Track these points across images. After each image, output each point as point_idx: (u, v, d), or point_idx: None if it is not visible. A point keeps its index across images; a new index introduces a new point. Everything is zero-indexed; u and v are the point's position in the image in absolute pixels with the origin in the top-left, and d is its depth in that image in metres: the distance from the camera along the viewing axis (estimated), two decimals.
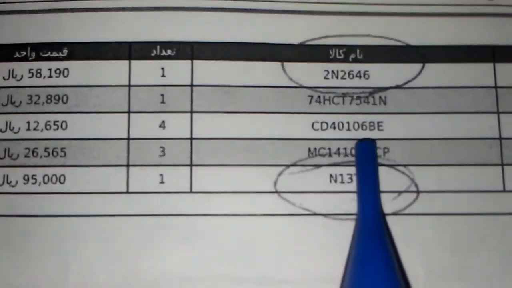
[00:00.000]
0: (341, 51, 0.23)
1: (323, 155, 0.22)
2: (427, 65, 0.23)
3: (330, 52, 0.23)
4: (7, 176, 0.22)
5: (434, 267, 0.21)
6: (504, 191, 0.22)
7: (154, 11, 0.23)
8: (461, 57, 0.23)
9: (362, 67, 0.23)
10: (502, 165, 0.22)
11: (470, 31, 0.23)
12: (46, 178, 0.22)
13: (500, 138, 0.22)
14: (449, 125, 0.22)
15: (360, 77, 0.23)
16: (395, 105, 0.23)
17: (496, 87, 0.23)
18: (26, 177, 0.22)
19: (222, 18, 0.23)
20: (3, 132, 0.22)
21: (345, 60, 0.23)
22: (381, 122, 0.23)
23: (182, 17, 0.23)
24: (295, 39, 0.23)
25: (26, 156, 0.22)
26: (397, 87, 0.23)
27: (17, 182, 0.22)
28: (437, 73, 0.23)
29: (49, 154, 0.22)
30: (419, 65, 0.23)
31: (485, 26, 0.23)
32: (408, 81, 0.23)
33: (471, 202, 0.22)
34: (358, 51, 0.23)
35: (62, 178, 0.22)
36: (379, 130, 0.23)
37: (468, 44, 0.23)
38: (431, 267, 0.21)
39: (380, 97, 0.23)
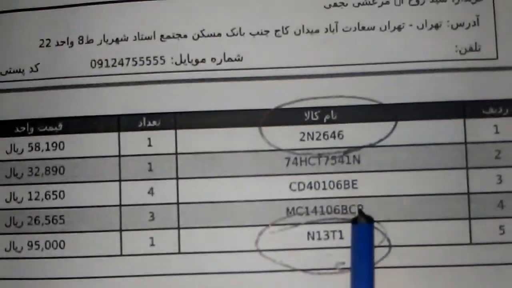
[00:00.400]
0: (315, 113, 0.25)
1: (300, 214, 0.25)
2: (399, 123, 0.25)
3: (305, 114, 0.25)
4: (13, 242, 0.25)
5: None
6: (471, 243, 0.24)
7: (139, 85, 0.26)
8: (432, 114, 0.25)
9: (336, 127, 0.25)
10: (470, 219, 0.24)
11: (441, 87, 0.26)
12: (47, 243, 0.25)
13: (468, 193, 0.24)
14: (419, 182, 0.25)
15: (334, 137, 0.25)
16: (369, 163, 0.25)
17: (465, 142, 0.25)
18: (29, 243, 0.25)
19: (202, 88, 0.26)
20: (8, 202, 0.25)
21: (320, 121, 0.25)
22: (356, 180, 0.25)
23: (165, 90, 0.26)
24: (271, 104, 0.25)
25: (29, 224, 0.25)
26: (370, 145, 0.25)
27: (22, 247, 0.25)
28: (409, 130, 0.25)
29: (49, 221, 0.25)
30: (392, 123, 0.25)
31: (456, 81, 0.25)
32: (381, 139, 0.25)
33: (440, 255, 0.24)
34: (332, 112, 0.25)
35: (62, 243, 0.25)
36: (353, 188, 0.25)
37: (439, 101, 0.25)
38: None
39: (354, 156, 0.25)
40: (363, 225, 0.24)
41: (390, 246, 0.25)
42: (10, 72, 0.27)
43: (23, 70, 0.27)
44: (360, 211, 0.25)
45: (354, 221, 0.24)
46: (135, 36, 0.26)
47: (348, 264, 0.25)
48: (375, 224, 0.25)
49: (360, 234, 0.24)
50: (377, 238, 0.25)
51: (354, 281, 0.24)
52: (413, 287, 0.25)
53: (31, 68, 0.27)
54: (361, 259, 0.24)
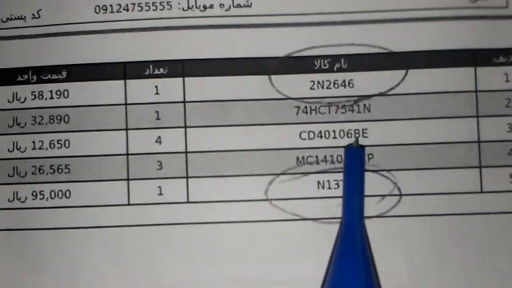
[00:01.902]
0: (326, 61, 0.28)
1: (310, 163, 0.27)
2: (410, 71, 0.27)
3: (315, 62, 0.28)
4: (17, 192, 0.27)
5: (416, 265, 0.26)
6: (482, 192, 0.26)
7: (145, 32, 0.27)
8: (443, 62, 0.27)
9: (346, 76, 0.28)
10: (480, 167, 0.27)
11: (452, 35, 0.28)
12: (52, 193, 0.27)
13: (479, 141, 0.27)
14: (430, 130, 0.27)
15: (345, 86, 0.27)
16: (379, 112, 0.27)
17: (476, 91, 0.27)
18: (34, 193, 0.27)
19: (210, 35, 0.28)
20: (11, 151, 0.27)
21: (330, 70, 0.28)
22: (366, 129, 0.27)
23: (172, 36, 0.28)
24: (281, 52, 0.27)
25: (33, 173, 0.27)
26: (381, 94, 0.27)
27: (26, 198, 0.27)
28: (419, 79, 0.27)
29: (54, 171, 0.27)
30: (402, 72, 0.27)
31: (466, 29, 0.28)
32: (392, 88, 0.27)
33: (451, 203, 0.26)
34: (342, 60, 0.28)
35: (67, 193, 0.27)
36: (363, 137, 0.27)
37: (450, 49, 0.27)
38: (414, 266, 0.26)
39: (364, 105, 0.27)
40: (354, 148, 0.27)
41: (400, 195, 0.27)
42: (11, 19, 0.29)
43: (25, 17, 0.29)
44: (357, 139, 0.27)
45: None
46: None
47: None
48: (386, 173, 0.28)
49: (352, 156, 0.27)
50: (388, 187, 0.28)
51: (345, 197, 0.26)
52: (423, 236, 0.27)
53: (33, 14, 0.29)
54: (351, 178, 0.26)
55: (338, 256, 0.25)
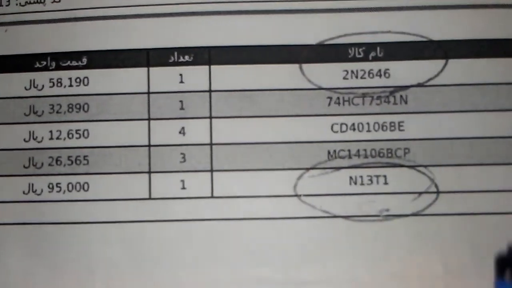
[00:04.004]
0: (360, 49, 0.30)
1: (342, 157, 0.29)
2: (450, 61, 0.30)
3: (349, 51, 0.30)
4: (32, 184, 0.30)
5: (453, 266, 0.28)
6: None
7: (170, 17, 0.30)
8: (485, 52, 0.29)
9: (382, 65, 0.30)
10: None
11: (495, 24, 0.30)
12: (70, 186, 0.29)
13: None
14: (470, 124, 0.29)
15: (380, 76, 0.30)
16: (417, 104, 0.29)
17: None
18: (50, 186, 0.30)
19: (238, 21, 0.30)
20: (27, 141, 0.30)
21: (365, 59, 0.30)
22: (402, 122, 0.29)
23: (199, 22, 0.30)
24: (313, 39, 0.30)
25: (50, 165, 0.30)
26: (419, 85, 0.29)
27: (42, 190, 0.30)
28: (460, 69, 0.29)
29: (72, 162, 0.29)
30: (442, 62, 0.29)
31: (509, 18, 0.29)
32: (430, 79, 0.29)
33: (491, 202, 0.28)
34: (378, 48, 0.30)
35: (86, 185, 0.29)
36: (400, 130, 0.29)
37: (493, 38, 0.29)
38: (450, 267, 0.28)
39: (401, 96, 0.29)
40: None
41: (438, 192, 0.29)
42: (29, 3, 0.31)
43: (44, 1, 0.31)
44: None
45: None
46: None
47: (393, 211, 0.30)
48: (423, 169, 0.30)
49: None
50: (424, 184, 0.30)
51: None
52: (461, 236, 0.29)
53: None
54: None
55: None
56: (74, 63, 0.30)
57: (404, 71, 0.30)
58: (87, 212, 0.29)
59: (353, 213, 0.29)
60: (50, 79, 0.30)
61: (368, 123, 0.29)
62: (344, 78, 0.30)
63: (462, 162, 0.29)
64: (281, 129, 0.29)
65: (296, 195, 0.29)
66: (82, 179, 0.30)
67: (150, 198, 0.29)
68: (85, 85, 0.30)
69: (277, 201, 0.29)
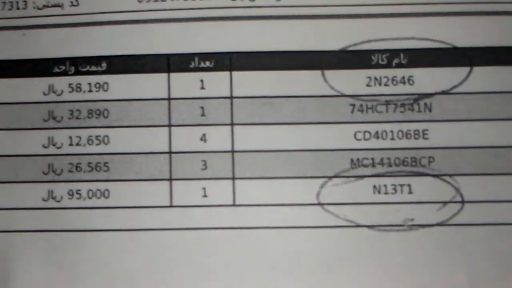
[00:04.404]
0: (384, 56, 0.30)
1: (366, 166, 0.29)
2: (475, 68, 0.30)
3: (373, 57, 0.30)
4: (52, 191, 0.30)
5: (478, 277, 0.28)
6: None
7: (191, 22, 0.30)
8: (510, 59, 0.30)
9: (406, 72, 0.30)
10: None
11: None
12: (90, 193, 0.30)
13: None
14: (496, 133, 0.29)
15: (404, 83, 0.30)
16: (441, 112, 0.30)
17: None
18: (70, 192, 0.30)
19: (260, 27, 0.30)
20: (46, 147, 0.30)
21: (388, 65, 0.30)
22: (426, 130, 0.30)
23: (220, 28, 0.30)
24: (335, 45, 0.30)
25: (69, 171, 0.30)
26: (443, 92, 0.30)
27: (61, 197, 0.30)
28: (485, 77, 0.30)
29: (92, 169, 0.30)
30: (466, 69, 0.30)
31: None
32: (455, 86, 0.30)
33: None
34: (402, 55, 0.30)
35: (106, 192, 0.30)
36: (424, 138, 0.30)
37: None
38: (476, 278, 0.28)
39: (425, 104, 0.30)
40: None
41: (463, 202, 0.30)
42: (47, 6, 0.31)
43: (62, 4, 0.31)
44: None
45: None
46: None
47: (417, 220, 0.30)
48: (448, 178, 0.30)
49: None
50: (449, 194, 0.30)
51: None
52: (486, 246, 0.29)
53: (71, 2, 0.31)
54: None
55: None
56: (94, 68, 0.30)
57: (428, 78, 0.30)
58: (108, 219, 0.30)
59: (377, 223, 0.29)
60: (69, 84, 0.31)
61: (392, 131, 0.30)
62: (368, 85, 0.30)
63: (487, 171, 0.29)
64: (303, 137, 0.30)
65: (319, 204, 0.29)
66: (102, 186, 0.30)
67: (171, 206, 0.30)
68: (104, 91, 0.30)
69: (300, 209, 0.29)
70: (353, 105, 0.30)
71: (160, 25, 0.30)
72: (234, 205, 0.30)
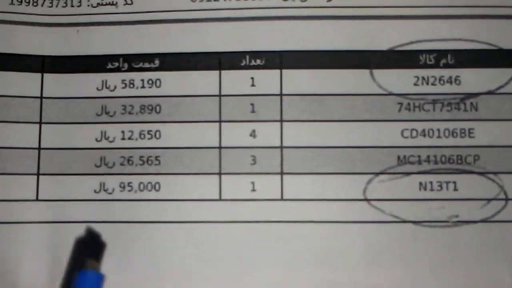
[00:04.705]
0: (431, 56, 0.34)
1: (412, 163, 0.34)
2: None
3: (421, 57, 0.34)
4: (104, 183, 0.34)
5: None
6: None
7: (242, 21, 0.34)
8: None
9: (453, 72, 0.34)
10: None
11: None
12: (141, 185, 0.34)
13: None
14: None
15: (451, 82, 0.34)
16: (487, 111, 0.34)
17: None
18: (122, 185, 0.34)
19: (310, 26, 0.35)
20: (99, 141, 0.35)
21: (435, 65, 0.34)
22: (472, 129, 0.34)
23: (270, 27, 0.35)
24: (384, 45, 0.34)
25: (121, 164, 0.34)
26: (489, 92, 0.34)
27: (113, 189, 0.34)
28: None
29: (144, 162, 0.34)
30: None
31: None
32: (500, 87, 0.34)
33: None
34: (449, 56, 0.34)
35: (157, 185, 0.34)
36: (470, 137, 0.34)
37: None
38: None
39: (471, 103, 0.34)
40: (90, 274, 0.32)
41: (506, 199, 0.34)
42: (101, 4, 0.36)
43: (116, 3, 0.36)
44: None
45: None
46: None
47: (462, 217, 0.34)
48: (492, 176, 0.34)
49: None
50: (493, 191, 0.34)
51: None
52: None
53: (125, 0, 0.36)
54: None
55: None
56: (147, 65, 0.35)
57: (474, 79, 0.34)
58: (158, 211, 0.34)
59: (422, 219, 0.33)
60: (123, 80, 0.35)
61: (438, 129, 0.34)
62: (415, 84, 0.34)
63: None
64: (351, 134, 0.34)
65: (365, 199, 0.33)
66: (153, 179, 0.34)
67: (220, 200, 0.34)
68: (157, 87, 0.35)
69: (346, 204, 0.34)
70: (401, 104, 0.34)
71: (213, 24, 0.35)
72: (282, 199, 0.34)
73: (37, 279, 0.34)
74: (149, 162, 0.35)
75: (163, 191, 0.35)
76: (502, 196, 0.34)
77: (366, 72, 0.35)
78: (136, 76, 0.36)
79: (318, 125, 0.35)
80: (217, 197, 0.35)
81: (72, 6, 0.37)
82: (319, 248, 0.34)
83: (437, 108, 0.35)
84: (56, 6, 0.36)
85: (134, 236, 0.34)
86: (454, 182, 0.34)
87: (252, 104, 0.35)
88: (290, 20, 0.35)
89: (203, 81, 0.35)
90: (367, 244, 0.34)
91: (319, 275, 0.34)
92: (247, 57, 0.35)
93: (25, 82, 0.36)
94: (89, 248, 0.34)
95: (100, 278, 0.33)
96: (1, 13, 0.36)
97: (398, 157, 0.35)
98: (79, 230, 0.35)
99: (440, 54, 0.35)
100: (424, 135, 0.35)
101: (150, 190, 0.35)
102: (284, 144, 0.35)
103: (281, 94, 0.35)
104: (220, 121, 0.35)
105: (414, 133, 0.35)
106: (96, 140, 0.35)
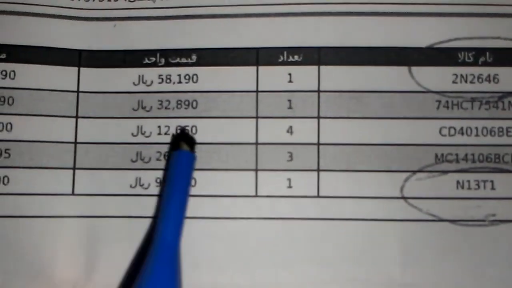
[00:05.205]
0: (470, 54, 0.34)
1: (450, 161, 0.34)
2: None
3: (459, 55, 0.34)
4: (140, 178, 0.35)
5: None
6: None
7: (280, 17, 0.35)
8: None
9: (492, 70, 0.34)
10: None
11: None
12: None
13: None
14: None
15: (489, 81, 0.34)
16: None
17: None
18: (157, 180, 0.35)
19: (348, 23, 0.35)
20: (135, 136, 0.35)
21: (474, 63, 0.34)
22: (510, 127, 0.34)
23: (309, 23, 0.35)
24: (423, 42, 0.34)
25: (157, 159, 0.35)
26: None
27: (149, 184, 0.35)
28: None
29: (196, 158, 0.34)
30: None
31: None
32: None
33: None
34: (487, 54, 0.34)
35: (193, 181, 0.34)
36: (508, 136, 0.34)
37: None
38: None
39: (509, 102, 0.34)
40: (184, 153, 0.33)
41: None
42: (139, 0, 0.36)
43: None
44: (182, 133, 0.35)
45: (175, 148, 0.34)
46: None
47: (499, 216, 0.34)
48: None
49: (182, 163, 0.33)
50: None
51: (169, 210, 0.32)
52: None
53: None
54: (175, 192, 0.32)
55: (151, 276, 0.31)
56: (184, 60, 0.35)
57: None
58: (194, 207, 0.35)
59: (459, 217, 0.34)
60: (159, 75, 0.35)
61: (476, 128, 0.34)
62: (454, 82, 0.34)
63: None
64: (389, 131, 0.34)
65: (402, 197, 0.34)
66: None
67: (256, 196, 0.34)
68: (194, 82, 0.35)
69: (383, 202, 0.34)
70: (439, 101, 0.34)
71: (250, 20, 0.35)
72: (318, 196, 0.34)
73: (71, 273, 0.35)
74: None
75: (199, 186, 0.35)
76: None
77: (404, 69, 0.35)
78: (173, 71, 0.36)
79: (355, 122, 0.35)
80: (253, 194, 0.35)
81: (109, 0, 0.37)
82: (355, 246, 0.34)
83: (475, 106, 0.35)
84: (94, 0, 0.37)
85: None
86: (492, 181, 0.34)
87: (289, 100, 0.35)
88: (328, 16, 0.36)
89: (240, 76, 0.36)
90: (403, 243, 0.34)
91: (354, 273, 0.34)
92: (285, 53, 0.36)
93: (62, 76, 0.36)
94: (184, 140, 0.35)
95: (193, 157, 0.34)
96: (38, 6, 0.36)
97: (436, 155, 0.35)
98: (115, 225, 0.35)
99: (479, 52, 0.35)
100: (462, 133, 0.35)
101: None
102: (321, 141, 0.35)
103: (318, 91, 0.35)
104: (257, 117, 0.35)
105: (452, 131, 0.35)
106: (132, 135, 0.36)
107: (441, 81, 0.35)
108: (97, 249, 0.35)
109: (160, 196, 0.35)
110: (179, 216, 0.33)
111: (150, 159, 0.36)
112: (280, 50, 0.36)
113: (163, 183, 0.35)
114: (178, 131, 0.35)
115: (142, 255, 0.34)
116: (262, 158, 0.35)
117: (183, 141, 0.34)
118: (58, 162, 0.35)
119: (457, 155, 0.35)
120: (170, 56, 0.36)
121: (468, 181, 0.35)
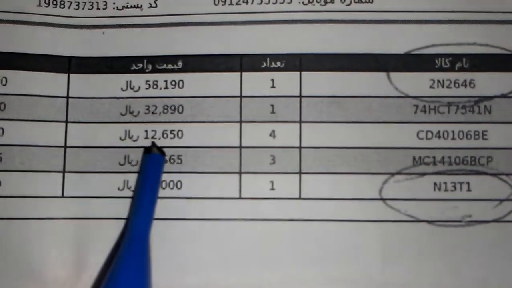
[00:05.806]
0: (447, 60, 0.36)
1: (427, 164, 0.35)
2: None
3: (436, 61, 0.36)
4: (127, 181, 0.36)
5: None
6: None
7: (263, 25, 0.36)
8: None
9: (468, 76, 0.36)
10: None
11: None
12: (163, 183, 0.36)
13: None
14: None
15: (465, 86, 0.36)
16: (500, 114, 0.35)
17: None
18: None
19: (329, 30, 0.36)
20: (123, 140, 0.36)
21: (451, 69, 0.36)
22: (486, 131, 0.35)
23: (291, 30, 0.36)
24: (401, 49, 0.36)
25: None
26: (503, 96, 0.35)
27: None
28: None
29: (166, 161, 0.36)
30: None
31: None
32: None
33: None
34: (464, 60, 0.36)
35: (179, 183, 0.36)
36: (483, 139, 0.35)
37: None
38: None
39: (485, 106, 0.35)
40: (155, 156, 0.36)
41: None
42: (127, 7, 0.38)
43: (141, 6, 0.38)
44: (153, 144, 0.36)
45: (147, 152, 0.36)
46: None
47: (475, 217, 0.35)
48: (504, 177, 0.35)
49: (152, 163, 0.36)
50: (506, 192, 0.35)
51: (141, 206, 0.35)
52: None
53: (150, 4, 0.38)
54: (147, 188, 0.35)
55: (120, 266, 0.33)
56: (170, 67, 0.37)
57: (488, 82, 0.36)
58: (179, 209, 0.36)
59: (436, 218, 0.35)
60: (146, 81, 0.37)
61: (453, 131, 0.35)
62: (431, 87, 0.36)
63: None
64: (368, 135, 0.36)
65: (381, 199, 0.35)
66: (175, 177, 0.36)
67: (240, 198, 0.36)
68: (180, 88, 0.36)
69: (363, 204, 0.35)
70: (417, 106, 0.35)
71: (234, 27, 0.37)
72: (300, 198, 0.35)
73: (62, 273, 0.36)
74: (171, 161, 0.37)
75: (184, 189, 0.37)
76: None
77: (383, 75, 0.37)
78: (160, 77, 0.37)
79: (336, 126, 0.36)
80: (237, 196, 0.36)
81: (98, 8, 0.38)
82: (336, 246, 0.36)
83: (452, 111, 0.36)
84: (83, 8, 0.38)
85: (156, 233, 0.36)
86: (468, 183, 0.36)
87: (272, 105, 0.37)
88: (310, 23, 0.37)
89: (224, 82, 0.37)
90: (382, 243, 0.36)
91: (335, 273, 0.35)
92: (268, 59, 0.37)
93: (52, 82, 0.37)
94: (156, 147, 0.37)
95: (162, 159, 0.36)
96: (29, 14, 0.38)
97: (414, 158, 0.36)
98: (103, 227, 0.36)
99: (456, 58, 0.37)
100: (439, 137, 0.36)
101: (171, 188, 0.37)
102: (303, 145, 0.36)
103: (300, 96, 0.37)
104: (241, 122, 0.37)
105: (429, 134, 0.36)
106: (120, 139, 0.37)
107: (418, 86, 0.36)
108: (86, 250, 0.36)
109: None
110: (150, 209, 0.35)
111: (137, 162, 0.37)
112: (263, 56, 0.37)
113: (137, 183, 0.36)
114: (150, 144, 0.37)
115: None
116: (245, 161, 0.37)
117: (155, 147, 0.36)
118: (48, 166, 0.37)
119: (434, 158, 0.36)
120: (157, 63, 0.37)
121: (445, 183, 0.36)
